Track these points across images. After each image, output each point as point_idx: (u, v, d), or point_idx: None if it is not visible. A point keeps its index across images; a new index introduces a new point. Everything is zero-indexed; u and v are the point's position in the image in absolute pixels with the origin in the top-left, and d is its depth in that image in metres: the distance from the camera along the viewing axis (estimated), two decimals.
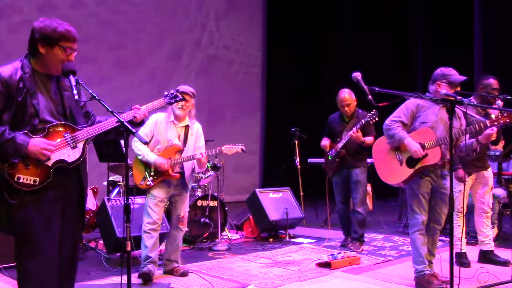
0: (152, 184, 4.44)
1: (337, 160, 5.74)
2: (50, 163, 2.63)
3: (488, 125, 3.94)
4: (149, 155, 4.46)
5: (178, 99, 3.36)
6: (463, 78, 4.10)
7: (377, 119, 5.44)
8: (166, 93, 3.36)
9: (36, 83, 2.66)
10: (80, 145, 2.73)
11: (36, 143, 2.57)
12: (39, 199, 2.62)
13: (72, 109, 2.78)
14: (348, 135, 5.54)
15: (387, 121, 4.20)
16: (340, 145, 5.67)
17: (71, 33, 2.67)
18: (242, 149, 4.69)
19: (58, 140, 2.66)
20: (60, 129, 2.68)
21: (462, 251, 4.88)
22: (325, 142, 5.86)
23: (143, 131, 4.41)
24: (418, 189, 4.13)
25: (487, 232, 4.96)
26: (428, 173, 4.13)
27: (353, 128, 5.49)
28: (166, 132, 4.53)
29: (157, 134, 4.51)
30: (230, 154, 4.70)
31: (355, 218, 5.74)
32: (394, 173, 4.17)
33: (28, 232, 2.61)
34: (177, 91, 3.38)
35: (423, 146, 4.05)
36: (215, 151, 4.60)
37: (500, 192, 6.14)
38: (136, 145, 4.49)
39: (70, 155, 2.70)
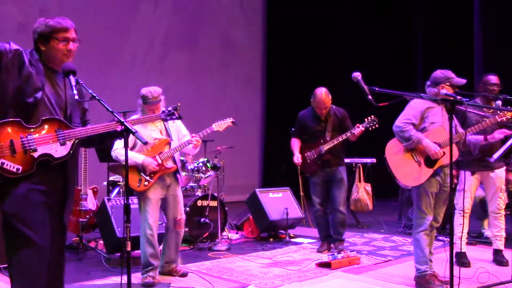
0: (152, 181, 4.39)
1: (319, 162, 5.52)
2: (36, 154, 2.63)
3: (498, 120, 4.21)
4: (135, 157, 4.38)
5: (174, 117, 3.40)
6: (464, 80, 4.18)
7: (377, 125, 5.28)
8: (163, 109, 3.41)
9: (41, 69, 2.71)
10: (69, 143, 2.73)
11: None
12: (25, 193, 2.63)
13: (72, 108, 2.81)
14: (345, 136, 5.35)
15: (398, 123, 4.19)
16: (326, 147, 5.43)
17: (62, 23, 2.73)
18: (232, 122, 4.74)
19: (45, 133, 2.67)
20: (54, 124, 2.70)
21: (462, 250, 4.88)
22: (298, 154, 5.55)
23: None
24: (429, 189, 4.14)
25: (495, 232, 4.98)
26: (440, 172, 4.16)
27: (357, 128, 5.29)
28: (147, 131, 4.47)
29: None
30: (222, 130, 4.74)
31: (338, 218, 5.52)
32: (415, 175, 4.14)
33: (17, 224, 2.61)
34: (175, 109, 3.41)
35: (439, 145, 4.09)
36: (206, 132, 4.62)
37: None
38: (119, 151, 4.38)
39: (58, 151, 2.69)
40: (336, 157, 5.55)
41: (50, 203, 2.74)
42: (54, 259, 2.78)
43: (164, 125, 4.59)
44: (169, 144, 4.54)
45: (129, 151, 4.27)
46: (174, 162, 4.55)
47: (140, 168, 4.39)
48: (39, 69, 2.69)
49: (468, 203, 4.99)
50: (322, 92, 5.51)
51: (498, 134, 4.57)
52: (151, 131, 4.51)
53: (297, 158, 5.56)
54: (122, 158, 4.33)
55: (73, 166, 2.87)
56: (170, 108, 3.43)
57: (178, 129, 4.68)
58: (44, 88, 2.67)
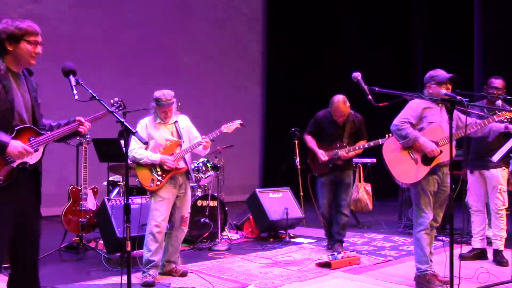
0: (164, 181, 4.46)
1: (330, 166, 5.57)
2: (15, 164, 2.79)
3: (496, 119, 4.23)
4: (153, 156, 4.48)
5: (121, 108, 3.51)
6: (449, 75, 4.14)
7: None
8: (112, 101, 3.49)
9: (10, 80, 2.84)
10: (41, 149, 2.92)
11: (16, 145, 2.75)
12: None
13: (36, 110, 2.96)
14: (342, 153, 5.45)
15: (396, 122, 4.23)
16: (340, 153, 5.46)
17: (33, 27, 2.88)
18: (240, 124, 4.83)
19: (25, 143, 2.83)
20: (26, 132, 2.85)
21: (475, 247, 5.12)
22: (321, 151, 5.55)
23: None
24: (427, 188, 4.15)
25: (495, 232, 5.00)
26: (437, 171, 4.17)
27: (349, 149, 5.45)
28: (159, 133, 4.59)
29: (152, 137, 4.55)
30: (231, 132, 4.80)
31: (342, 220, 5.60)
32: (411, 172, 4.16)
33: None
34: (121, 100, 3.52)
35: (436, 144, 4.11)
36: (215, 133, 4.69)
37: None
38: (136, 151, 4.48)
39: (32, 157, 2.87)
40: (346, 162, 5.62)
41: (21, 205, 2.89)
42: (29, 246, 2.97)
43: (176, 127, 4.67)
44: (180, 145, 4.61)
45: (146, 151, 4.51)
46: (185, 162, 4.61)
47: (153, 167, 4.48)
48: (6, 82, 2.80)
49: (474, 200, 5.05)
50: (339, 100, 5.46)
51: None
52: (164, 133, 4.59)
53: (323, 155, 5.53)
54: (140, 157, 4.47)
55: (41, 166, 3.02)
56: (116, 99, 3.51)
57: (189, 131, 4.75)
58: (13, 105, 2.80)
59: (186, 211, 4.66)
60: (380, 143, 5.30)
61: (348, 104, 5.50)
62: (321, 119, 5.69)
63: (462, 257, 4.76)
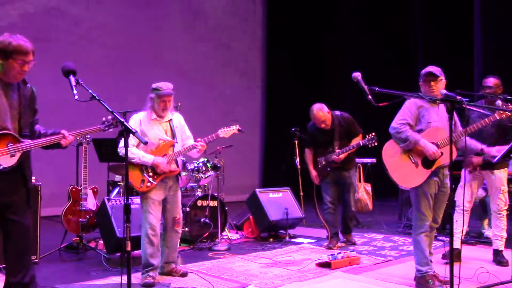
0: (155, 183, 4.37)
1: (328, 169, 5.82)
2: None
3: (498, 117, 4.19)
4: (146, 157, 4.35)
5: (113, 126, 3.60)
6: (428, 70, 4.13)
7: (376, 143, 5.52)
8: (103, 119, 3.52)
9: None
10: (18, 154, 3.11)
11: None
12: None
13: (23, 118, 3.15)
14: (334, 156, 5.71)
15: (394, 125, 4.15)
16: (334, 157, 5.72)
17: (23, 47, 3.03)
18: (238, 129, 4.75)
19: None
20: (5, 139, 3.06)
21: (455, 247, 4.94)
22: (314, 172, 5.92)
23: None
24: (428, 191, 4.09)
25: (496, 232, 4.97)
26: (437, 173, 4.12)
27: (338, 152, 5.69)
28: (153, 130, 4.45)
29: (145, 134, 4.38)
30: (228, 137, 4.74)
31: (349, 216, 6.05)
32: (412, 176, 4.10)
33: None
34: (113, 119, 3.58)
35: (437, 145, 4.05)
36: (212, 137, 4.60)
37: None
38: (128, 149, 4.31)
39: (7, 161, 3.08)
40: (344, 162, 5.78)
41: (12, 202, 3.14)
42: (21, 244, 3.20)
43: (170, 126, 4.55)
44: (173, 146, 4.51)
45: (138, 150, 4.36)
46: (177, 165, 4.54)
47: (144, 168, 4.39)
48: None
49: (466, 200, 5.00)
50: (315, 109, 5.72)
51: (495, 152, 4.52)
52: (158, 131, 4.48)
53: (316, 178, 5.93)
54: (132, 156, 4.31)
55: (28, 166, 3.26)
56: (109, 117, 3.60)
57: (182, 130, 4.65)
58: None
59: (178, 212, 4.58)
60: (361, 144, 5.64)
61: (325, 110, 5.72)
62: (311, 129, 5.99)
63: (445, 256, 4.77)
